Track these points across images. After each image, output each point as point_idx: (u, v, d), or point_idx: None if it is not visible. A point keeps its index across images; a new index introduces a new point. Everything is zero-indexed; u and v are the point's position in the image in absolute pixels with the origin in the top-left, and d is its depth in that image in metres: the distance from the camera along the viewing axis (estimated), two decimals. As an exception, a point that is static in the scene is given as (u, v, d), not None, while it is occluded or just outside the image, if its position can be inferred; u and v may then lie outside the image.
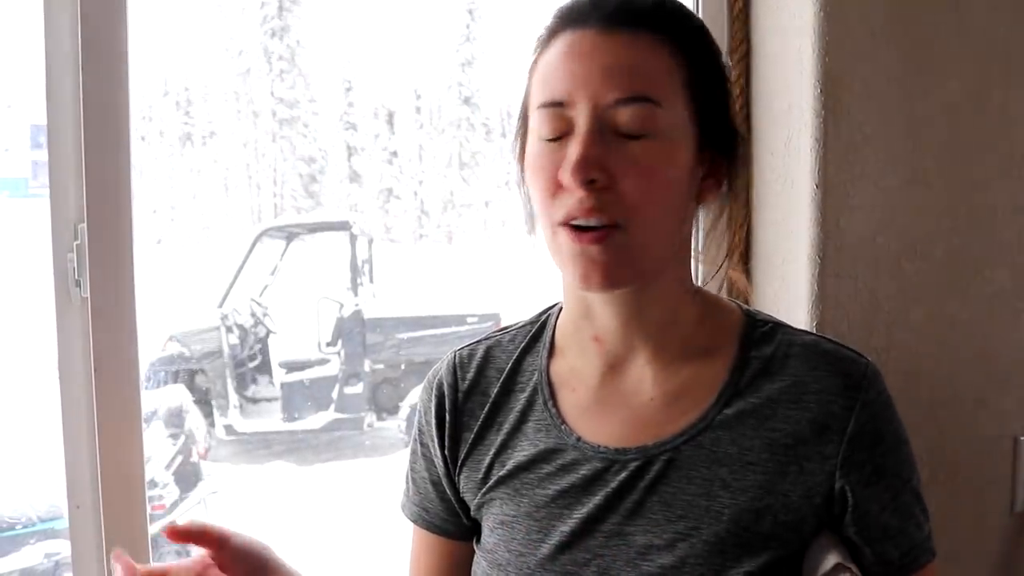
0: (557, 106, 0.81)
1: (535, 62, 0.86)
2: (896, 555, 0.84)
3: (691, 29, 0.85)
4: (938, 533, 0.88)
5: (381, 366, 6.00)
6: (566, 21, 0.83)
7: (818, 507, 0.82)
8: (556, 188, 0.81)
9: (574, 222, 0.80)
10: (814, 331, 1.16)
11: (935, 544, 0.87)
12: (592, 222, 0.79)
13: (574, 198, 0.79)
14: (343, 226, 6.32)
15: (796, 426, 0.83)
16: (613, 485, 0.84)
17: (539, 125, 0.82)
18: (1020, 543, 1.29)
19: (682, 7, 0.86)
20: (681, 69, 0.82)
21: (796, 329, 0.90)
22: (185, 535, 0.84)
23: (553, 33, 0.84)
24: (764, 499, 0.82)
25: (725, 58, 1.17)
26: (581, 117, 0.80)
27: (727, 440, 0.83)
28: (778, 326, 0.89)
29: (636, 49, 0.80)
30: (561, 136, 0.81)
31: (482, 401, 0.93)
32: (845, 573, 0.80)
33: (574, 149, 0.79)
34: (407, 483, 0.99)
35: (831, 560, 0.81)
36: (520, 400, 0.91)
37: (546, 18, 0.86)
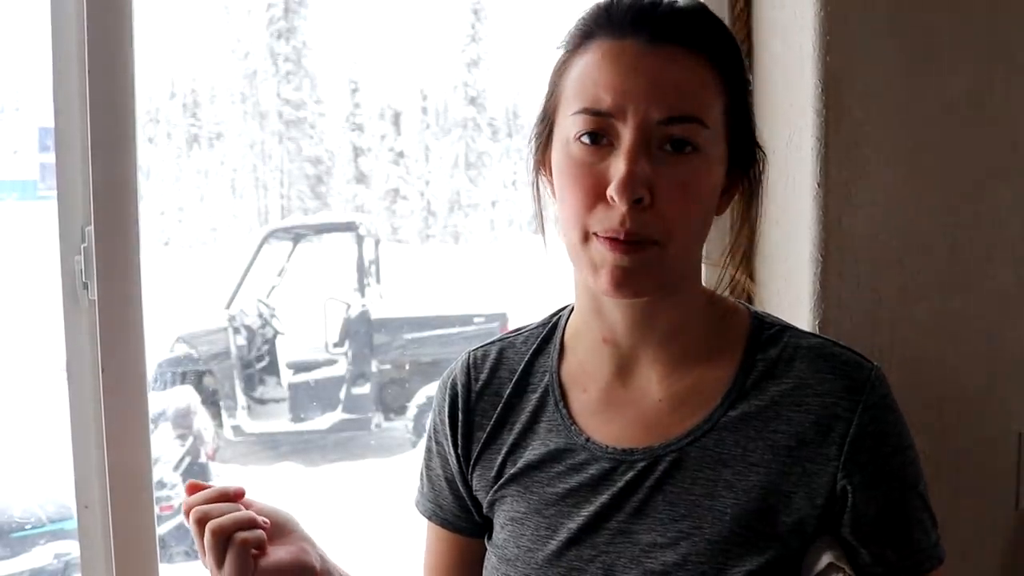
0: (600, 115, 0.80)
1: (566, 62, 0.85)
2: (895, 558, 0.85)
3: (728, 45, 0.85)
4: (944, 529, 0.88)
5: (388, 366, 6.00)
6: (604, 25, 0.82)
7: (820, 508, 0.83)
8: (595, 200, 0.80)
9: (610, 235, 0.80)
10: (818, 330, 1.17)
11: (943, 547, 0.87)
12: (630, 239, 0.79)
13: (615, 214, 0.79)
14: (350, 227, 6.32)
15: (799, 428, 0.83)
16: (620, 484, 0.86)
17: (577, 130, 0.81)
18: (1025, 540, 1.29)
19: (719, 20, 0.86)
20: (720, 88, 0.82)
21: (804, 332, 0.90)
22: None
23: (588, 35, 0.83)
24: (767, 500, 0.82)
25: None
26: (627, 132, 0.79)
27: (731, 441, 0.84)
28: (785, 328, 0.89)
29: (683, 67, 0.80)
30: (600, 144, 0.80)
31: (495, 401, 0.94)
32: (838, 573, 0.81)
33: (621, 165, 0.78)
34: (421, 480, 1.01)
35: (825, 560, 0.81)
36: (532, 401, 0.93)
37: (580, 16, 0.84)
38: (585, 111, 0.80)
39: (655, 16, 0.80)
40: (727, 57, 0.83)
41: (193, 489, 0.85)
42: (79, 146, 1.10)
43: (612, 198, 0.78)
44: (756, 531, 0.82)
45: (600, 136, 0.80)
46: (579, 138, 0.81)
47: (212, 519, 0.81)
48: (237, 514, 0.82)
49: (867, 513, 0.83)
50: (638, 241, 0.79)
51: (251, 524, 0.82)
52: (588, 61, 0.82)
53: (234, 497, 0.84)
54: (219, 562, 0.80)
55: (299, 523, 0.90)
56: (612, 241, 0.80)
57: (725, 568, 0.81)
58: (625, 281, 0.80)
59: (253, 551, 0.81)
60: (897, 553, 0.85)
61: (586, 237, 0.81)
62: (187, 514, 0.83)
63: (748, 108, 0.87)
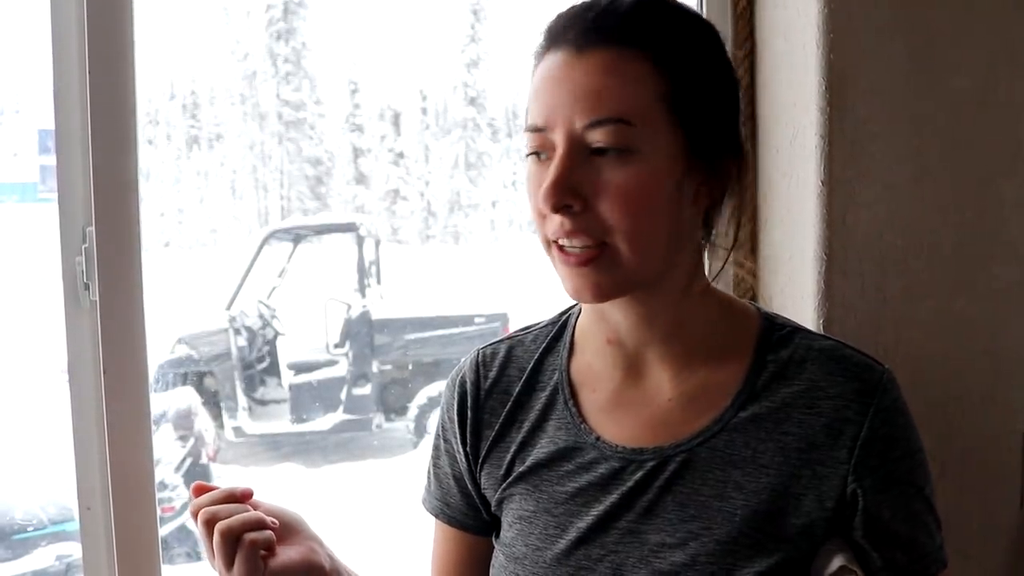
0: (539, 131, 0.83)
1: (531, 81, 0.87)
2: (905, 562, 0.85)
3: (671, 36, 0.82)
4: (948, 528, 0.88)
5: (389, 367, 6.00)
6: (549, 40, 0.84)
7: (830, 511, 0.83)
8: (543, 211, 0.83)
9: (560, 242, 0.82)
10: (822, 329, 1.17)
11: (946, 547, 0.87)
12: (576, 243, 0.81)
13: (555, 221, 0.81)
14: (350, 227, 6.32)
15: (810, 431, 0.83)
16: (629, 484, 0.86)
17: (527, 147, 0.84)
18: (1030, 539, 1.29)
19: (664, 13, 0.83)
20: (657, 81, 0.80)
21: (815, 334, 0.90)
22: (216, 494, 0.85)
23: (541, 52, 0.85)
24: (776, 502, 0.82)
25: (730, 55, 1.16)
26: (558, 141, 0.81)
27: (741, 443, 0.84)
28: (796, 330, 0.89)
29: (605, 69, 0.80)
30: (545, 158, 0.83)
31: (504, 399, 0.94)
32: None
33: (548, 174, 0.80)
34: (428, 478, 1.01)
35: (836, 562, 0.81)
36: (541, 399, 0.93)
37: (540, 31, 0.87)
38: (529, 129, 0.84)
39: (582, 23, 0.82)
40: (667, 47, 0.81)
41: (200, 491, 0.86)
42: (80, 146, 1.10)
43: (540, 207, 0.81)
44: (765, 533, 0.82)
45: (542, 151, 0.83)
46: (529, 154, 0.84)
47: (220, 520, 0.81)
48: (245, 515, 0.82)
49: (879, 517, 0.83)
50: (586, 247, 0.81)
51: (260, 525, 0.82)
52: (537, 76, 0.84)
53: (241, 498, 0.85)
54: (228, 564, 0.80)
55: (307, 523, 0.90)
56: (562, 251, 0.82)
57: (734, 569, 0.81)
58: (584, 287, 0.82)
59: (262, 552, 0.81)
60: (907, 556, 0.85)
61: (548, 244, 0.84)
62: (195, 516, 0.83)
63: (710, 91, 0.84)
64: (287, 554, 0.84)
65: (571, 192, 0.80)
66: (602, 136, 0.79)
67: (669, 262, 0.85)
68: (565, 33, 0.82)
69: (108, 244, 1.10)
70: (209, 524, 0.81)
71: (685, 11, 0.85)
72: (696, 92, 0.82)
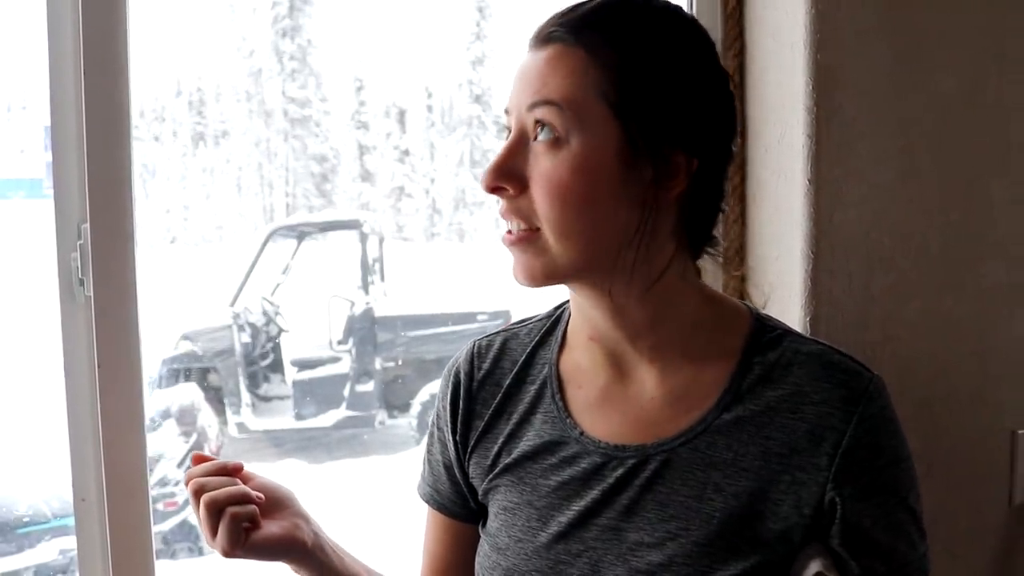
0: (507, 113, 0.86)
1: None
2: (883, 571, 0.85)
3: (621, 36, 0.82)
4: (936, 528, 0.89)
5: (392, 364, 6.01)
6: (528, 40, 0.87)
7: (808, 518, 0.83)
8: None
9: (503, 222, 0.85)
10: (808, 328, 1.17)
11: (934, 547, 0.87)
12: (512, 225, 0.84)
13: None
14: (354, 225, 6.34)
15: (792, 435, 0.83)
16: (610, 481, 0.86)
17: None
18: (1018, 536, 1.30)
19: (622, 14, 0.83)
20: (596, 77, 0.81)
21: (805, 338, 0.90)
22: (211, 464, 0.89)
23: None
24: (755, 505, 0.83)
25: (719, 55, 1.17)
26: (512, 126, 0.85)
27: (723, 445, 0.85)
28: (786, 333, 0.89)
29: (549, 61, 0.83)
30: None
31: (495, 391, 0.96)
32: None
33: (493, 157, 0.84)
34: (423, 465, 1.03)
35: (813, 568, 0.81)
36: (530, 392, 0.94)
37: None
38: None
39: (545, 24, 0.85)
40: (612, 46, 0.81)
41: (198, 460, 0.90)
42: (75, 143, 1.11)
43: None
44: (742, 536, 0.83)
45: (508, 134, 0.86)
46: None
47: (207, 492, 0.85)
48: (231, 488, 0.86)
49: (859, 525, 0.83)
50: (521, 229, 0.84)
51: (244, 499, 0.86)
52: None
53: (232, 471, 0.89)
54: (212, 533, 0.85)
55: (298, 500, 0.93)
56: (507, 231, 0.85)
57: (710, 571, 0.82)
58: (518, 268, 0.85)
59: (245, 524, 0.85)
60: (886, 566, 0.85)
61: None
62: (187, 485, 0.87)
63: (659, 95, 0.82)
64: (269, 528, 0.87)
65: (506, 176, 0.83)
66: (536, 117, 0.82)
67: (610, 257, 0.83)
68: (533, 33, 0.86)
69: (103, 240, 1.11)
70: (197, 494, 0.85)
71: (650, 11, 0.84)
72: (642, 92, 0.81)
